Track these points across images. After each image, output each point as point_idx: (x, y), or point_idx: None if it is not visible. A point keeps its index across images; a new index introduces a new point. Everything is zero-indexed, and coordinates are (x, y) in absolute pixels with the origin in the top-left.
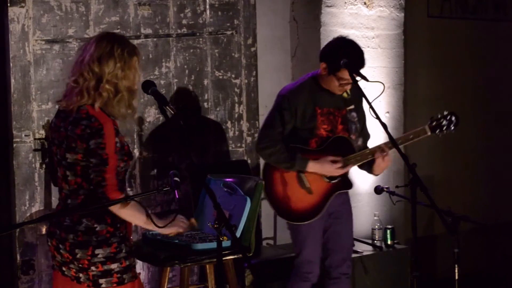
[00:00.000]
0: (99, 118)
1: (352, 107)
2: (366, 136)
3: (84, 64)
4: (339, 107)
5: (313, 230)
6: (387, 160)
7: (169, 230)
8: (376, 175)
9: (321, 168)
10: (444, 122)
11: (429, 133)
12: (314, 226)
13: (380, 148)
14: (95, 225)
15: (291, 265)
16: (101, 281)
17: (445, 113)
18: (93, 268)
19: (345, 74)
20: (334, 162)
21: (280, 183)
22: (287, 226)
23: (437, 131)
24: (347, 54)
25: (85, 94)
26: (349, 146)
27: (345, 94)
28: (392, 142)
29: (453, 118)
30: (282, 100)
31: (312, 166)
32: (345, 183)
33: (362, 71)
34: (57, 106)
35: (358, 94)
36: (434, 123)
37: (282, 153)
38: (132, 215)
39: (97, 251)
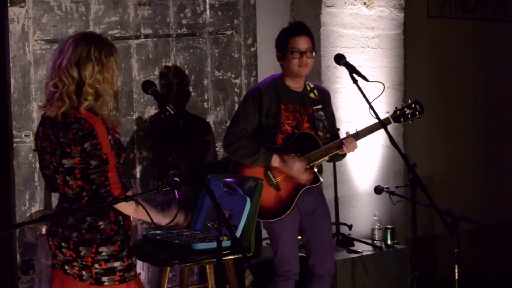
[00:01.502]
0: (88, 119)
1: (319, 106)
2: (335, 137)
3: (62, 68)
4: (305, 105)
5: (286, 228)
6: (353, 146)
7: (167, 221)
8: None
9: (287, 168)
10: (408, 111)
11: (392, 123)
12: (287, 224)
13: (346, 140)
14: (99, 223)
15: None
16: (104, 279)
17: (410, 101)
18: (96, 265)
19: (295, 43)
20: (300, 163)
21: None
22: (263, 226)
23: (401, 120)
24: (286, 29)
25: (66, 100)
26: (315, 142)
27: (312, 95)
28: (392, 142)
29: (418, 107)
30: (248, 97)
31: (277, 162)
32: (313, 178)
33: (362, 71)
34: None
35: (326, 98)
36: (397, 113)
37: (247, 148)
38: (130, 208)
39: (101, 249)
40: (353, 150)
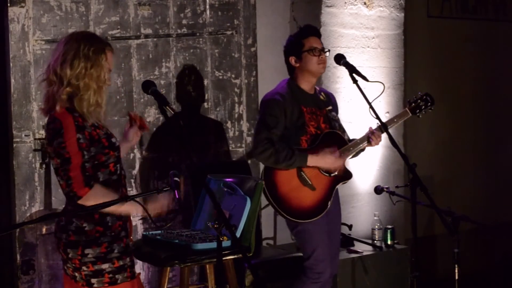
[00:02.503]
0: (59, 117)
1: (330, 107)
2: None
3: (50, 68)
4: (319, 106)
5: (321, 227)
6: (379, 141)
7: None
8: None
9: (321, 160)
10: (421, 103)
11: (410, 115)
12: (321, 223)
13: (373, 134)
14: (84, 225)
15: (292, 266)
16: (93, 280)
17: (420, 94)
18: (84, 268)
19: (312, 43)
20: (332, 153)
21: (282, 184)
22: (291, 229)
23: (417, 112)
24: (299, 32)
25: (50, 100)
26: (341, 139)
27: (321, 97)
28: (392, 142)
29: (428, 98)
30: (270, 103)
31: (312, 160)
32: (345, 173)
33: (362, 71)
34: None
35: (333, 100)
36: (413, 105)
37: (281, 152)
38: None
39: (86, 251)
40: (378, 143)
